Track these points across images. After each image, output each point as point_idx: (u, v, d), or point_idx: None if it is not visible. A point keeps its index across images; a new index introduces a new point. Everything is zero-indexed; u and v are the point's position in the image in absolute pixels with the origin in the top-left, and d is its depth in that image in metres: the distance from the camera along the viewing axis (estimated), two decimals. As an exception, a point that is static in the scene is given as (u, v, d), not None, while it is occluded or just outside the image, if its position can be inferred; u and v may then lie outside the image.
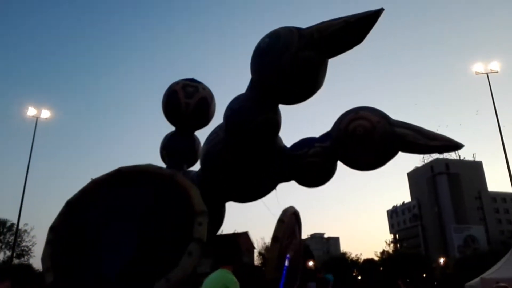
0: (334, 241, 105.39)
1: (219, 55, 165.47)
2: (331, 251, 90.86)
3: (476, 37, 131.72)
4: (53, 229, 6.06)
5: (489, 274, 16.50)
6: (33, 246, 45.74)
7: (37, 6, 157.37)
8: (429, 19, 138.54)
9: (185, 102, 7.75)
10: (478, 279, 16.62)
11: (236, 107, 5.97)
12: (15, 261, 40.71)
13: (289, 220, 6.48)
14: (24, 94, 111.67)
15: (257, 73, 5.77)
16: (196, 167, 7.94)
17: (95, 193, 6.29)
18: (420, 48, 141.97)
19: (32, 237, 46.08)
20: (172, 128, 8.44)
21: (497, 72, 26.60)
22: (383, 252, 62.57)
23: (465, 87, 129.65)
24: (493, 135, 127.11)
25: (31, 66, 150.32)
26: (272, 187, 6.92)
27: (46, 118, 28.42)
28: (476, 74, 26.53)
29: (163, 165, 7.92)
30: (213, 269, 4.57)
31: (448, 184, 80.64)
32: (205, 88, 8.11)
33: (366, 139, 5.73)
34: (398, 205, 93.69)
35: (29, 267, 39.93)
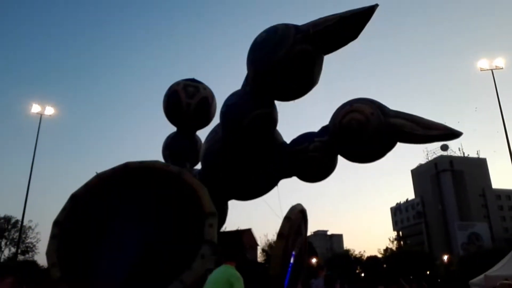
0: (338, 238, 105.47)
1: (221, 54, 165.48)
2: (334, 248, 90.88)
3: (480, 34, 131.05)
4: (57, 224, 6.03)
5: (493, 271, 16.47)
6: (37, 242, 46.18)
7: (41, 3, 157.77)
8: (433, 16, 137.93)
9: (186, 102, 7.79)
10: (482, 276, 16.60)
11: (231, 103, 5.99)
12: (20, 257, 41.06)
13: (296, 217, 6.48)
14: (28, 91, 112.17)
15: (253, 67, 5.75)
16: (199, 166, 7.98)
17: (101, 188, 6.28)
18: (424, 44, 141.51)
19: (37, 233, 46.50)
20: (174, 129, 8.51)
21: (502, 68, 26.52)
22: (386, 249, 62.53)
23: (470, 83, 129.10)
24: (498, 132, 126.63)
25: (35, 63, 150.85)
26: (274, 184, 6.92)
27: (50, 115, 28.60)
28: (481, 70, 26.45)
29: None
30: (217, 265, 4.59)
31: (452, 181, 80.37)
32: (206, 88, 8.16)
33: (361, 132, 5.69)
34: (401, 202, 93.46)
35: (34, 263, 40.23)
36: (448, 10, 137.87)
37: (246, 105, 5.84)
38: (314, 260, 36.72)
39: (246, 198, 7.25)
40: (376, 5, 4.96)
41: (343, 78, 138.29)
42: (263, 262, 41.24)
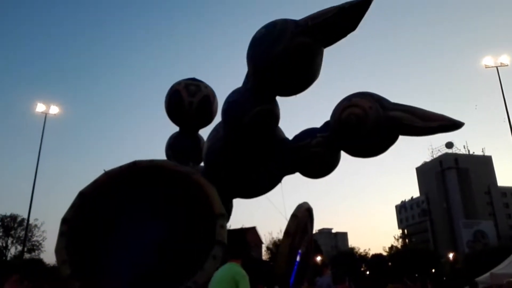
0: (342, 236, 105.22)
1: (221, 54, 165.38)
2: (339, 246, 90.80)
3: (485, 31, 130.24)
4: (66, 221, 5.99)
5: (499, 269, 16.41)
6: (43, 240, 46.31)
7: (41, 2, 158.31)
8: (437, 13, 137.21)
9: (189, 101, 7.86)
10: (488, 274, 16.54)
11: (232, 100, 5.97)
12: (26, 255, 41.26)
13: (303, 215, 6.47)
14: (33, 90, 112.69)
15: (253, 62, 5.72)
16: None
17: (109, 186, 6.28)
18: (429, 42, 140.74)
19: (42, 232, 46.61)
20: (176, 129, 8.56)
21: (507, 65, 26.36)
22: (391, 247, 62.40)
23: (475, 81, 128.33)
24: (503, 129, 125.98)
25: (40, 62, 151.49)
26: (277, 181, 6.90)
27: (54, 114, 28.69)
28: (486, 67, 26.30)
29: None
30: (222, 262, 4.59)
31: (457, 179, 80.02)
32: (207, 87, 8.22)
33: (359, 126, 5.66)
34: (406, 200, 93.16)
35: (40, 261, 40.45)
36: (452, 7, 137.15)
37: (247, 102, 5.81)
38: (319, 258, 36.66)
39: (249, 196, 7.25)
40: None
41: (345, 75, 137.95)
42: (268, 260, 41.26)
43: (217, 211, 5.62)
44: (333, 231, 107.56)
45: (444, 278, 48.94)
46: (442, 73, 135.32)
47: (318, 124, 6.60)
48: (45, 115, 27.89)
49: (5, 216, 45.12)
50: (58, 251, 5.77)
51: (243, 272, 3.98)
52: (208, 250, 5.29)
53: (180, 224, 5.72)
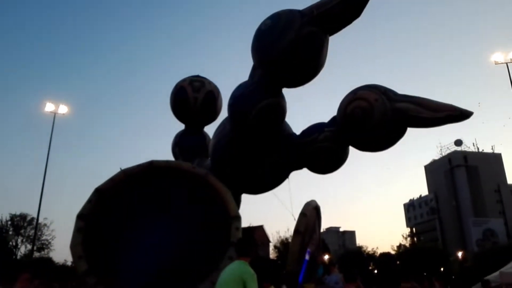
0: (350, 235, 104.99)
1: (221, 54, 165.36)
2: (347, 245, 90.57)
3: (495, 27, 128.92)
4: (82, 217, 5.99)
5: (509, 268, 16.21)
6: (52, 239, 46.67)
7: (48, 2, 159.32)
8: (447, 9, 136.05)
9: (193, 97, 7.97)
10: (497, 273, 16.35)
11: (238, 94, 5.92)
12: (36, 254, 41.60)
13: (311, 214, 6.45)
14: (42, 89, 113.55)
15: (260, 55, 5.67)
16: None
17: (126, 184, 6.32)
18: (438, 38, 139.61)
19: (52, 230, 46.97)
20: (181, 127, 8.65)
21: (517, 62, 26.02)
22: (400, 246, 62.05)
23: (484, 77, 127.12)
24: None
25: (49, 61, 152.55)
26: (283, 176, 6.86)
27: (63, 114, 28.87)
28: (496, 64, 26.03)
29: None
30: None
31: (466, 177, 79.29)
32: (211, 83, 8.35)
33: (365, 120, 5.60)
34: (415, 198, 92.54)
35: (50, 260, 40.77)
36: (462, 3, 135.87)
37: (254, 96, 5.77)
38: (326, 257, 36.58)
39: (256, 192, 7.25)
40: None
41: (355, 69, 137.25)
42: (275, 258, 41.26)
43: (232, 213, 5.70)
44: (341, 229, 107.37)
45: (453, 277, 48.63)
46: (451, 70, 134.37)
47: (327, 118, 6.55)
48: (54, 114, 28.10)
49: (14, 215, 45.57)
50: (74, 246, 5.77)
51: (252, 271, 3.96)
52: (223, 251, 5.34)
53: (195, 224, 5.76)
